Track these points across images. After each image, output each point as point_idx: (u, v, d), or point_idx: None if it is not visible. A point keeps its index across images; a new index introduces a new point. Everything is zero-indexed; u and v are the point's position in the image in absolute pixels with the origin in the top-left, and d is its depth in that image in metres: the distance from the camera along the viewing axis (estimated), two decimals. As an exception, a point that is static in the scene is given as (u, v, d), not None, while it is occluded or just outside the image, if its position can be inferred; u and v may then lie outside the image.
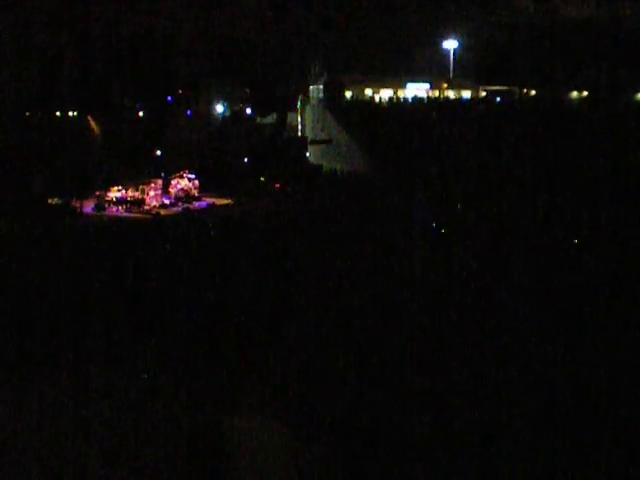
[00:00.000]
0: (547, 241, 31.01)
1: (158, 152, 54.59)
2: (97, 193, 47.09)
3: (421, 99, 64.65)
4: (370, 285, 24.99)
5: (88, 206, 46.02)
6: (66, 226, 37.47)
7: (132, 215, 45.33)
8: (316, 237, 33.42)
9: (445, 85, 66.96)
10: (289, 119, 65.10)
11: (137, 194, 47.41)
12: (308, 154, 60.31)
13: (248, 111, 62.80)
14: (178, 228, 39.93)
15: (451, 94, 66.55)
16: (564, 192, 38.37)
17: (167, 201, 48.60)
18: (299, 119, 64.81)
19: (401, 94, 66.12)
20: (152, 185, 48.20)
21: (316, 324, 21.26)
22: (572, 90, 66.55)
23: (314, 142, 60.77)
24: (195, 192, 50.42)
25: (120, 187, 47.52)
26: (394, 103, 64.14)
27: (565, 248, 29.30)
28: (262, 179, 52.20)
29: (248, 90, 63.99)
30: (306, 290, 24.58)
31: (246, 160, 55.66)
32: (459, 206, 37.20)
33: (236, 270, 27.14)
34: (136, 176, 49.13)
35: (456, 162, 46.40)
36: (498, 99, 65.51)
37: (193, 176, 50.82)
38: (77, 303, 21.90)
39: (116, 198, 46.97)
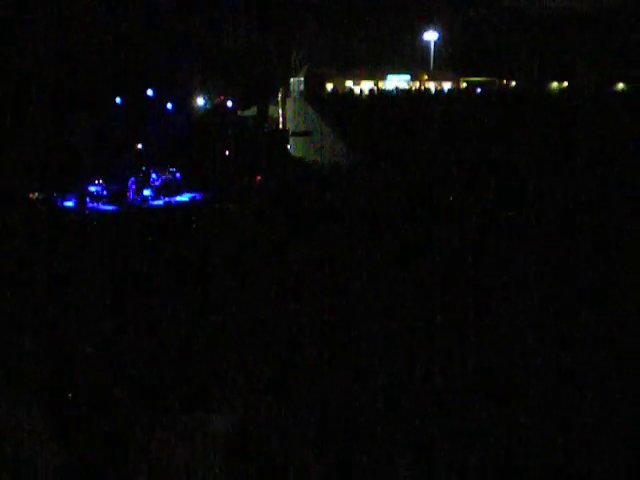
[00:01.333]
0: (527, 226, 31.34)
1: (139, 146, 54.39)
2: (78, 187, 46.85)
3: (402, 91, 64.94)
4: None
5: (69, 200, 45.84)
6: (45, 220, 37.39)
7: (113, 209, 45.19)
8: (296, 225, 33.66)
9: (426, 77, 67.29)
10: (270, 112, 65.20)
11: (118, 188, 47.25)
12: (289, 146, 60.42)
13: (229, 104, 62.72)
14: (159, 221, 39.91)
15: (432, 86, 66.88)
16: (545, 178, 38.85)
17: (148, 195, 48.46)
18: (280, 112, 64.93)
19: (382, 86, 66.42)
20: (133, 179, 48.07)
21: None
22: (552, 81, 67.03)
23: (295, 134, 60.89)
24: (177, 185, 50.30)
25: (101, 181, 47.31)
26: (375, 95, 64.39)
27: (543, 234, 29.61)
28: (243, 171, 52.22)
29: (229, 83, 63.97)
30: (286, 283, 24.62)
31: (227, 153, 55.63)
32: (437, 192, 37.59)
33: (217, 263, 27.15)
34: (117, 170, 48.97)
35: (436, 150, 46.81)
36: (479, 90, 65.92)
37: (174, 169, 50.70)
38: (49, 298, 21.87)
39: (97, 192, 46.78)
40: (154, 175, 49.61)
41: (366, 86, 66.12)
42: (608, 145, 45.18)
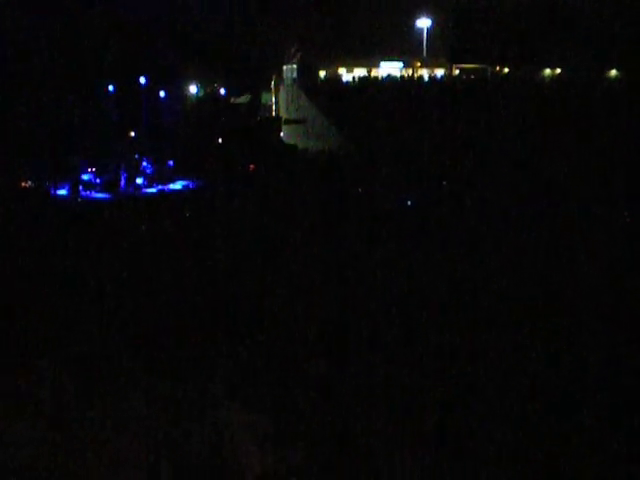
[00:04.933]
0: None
1: (132, 133, 54.48)
2: (71, 175, 46.94)
3: (394, 78, 64.94)
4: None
5: (62, 189, 45.93)
6: (37, 209, 37.50)
7: (106, 197, 45.31)
8: (289, 214, 33.80)
9: (418, 64, 67.22)
10: (263, 99, 65.17)
11: (111, 176, 47.35)
12: (282, 134, 60.45)
13: (222, 92, 62.74)
14: (152, 210, 39.93)
15: (425, 73, 66.84)
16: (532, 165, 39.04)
17: (141, 183, 48.53)
18: (273, 99, 64.92)
19: (375, 73, 66.41)
20: (126, 166, 48.16)
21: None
22: (544, 68, 67.00)
23: (288, 122, 60.91)
24: (169, 173, 50.37)
25: (94, 169, 47.40)
26: (369, 82, 64.35)
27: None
28: (236, 159, 52.24)
29: (222, 71, 63.92)
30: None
31: (220, 141, 55.65)
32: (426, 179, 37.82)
33: (213, 253, 27.23)
34: (110, 158, 49.08)
35: (426, 136, 46.93)
36: (472, 77, 65.92)
37: (168, 157, 50.78)
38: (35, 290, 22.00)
39: (90, 180, 46.88)
40: (147, 163, 49.71)
41: (359, 73, 66.12)
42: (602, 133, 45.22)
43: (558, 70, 67.48)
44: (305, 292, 21.60)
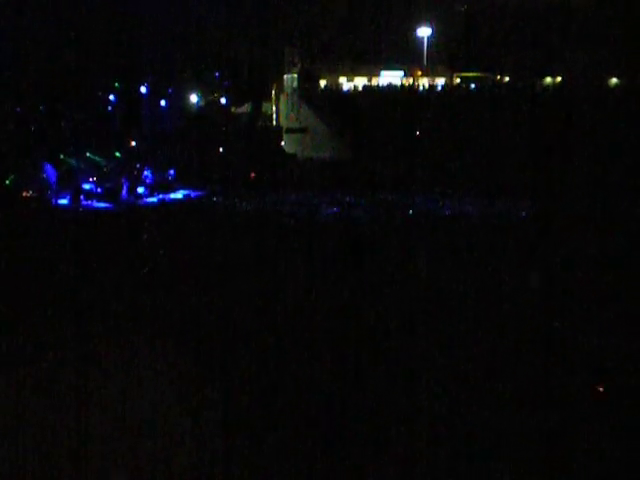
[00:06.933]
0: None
1: (133, 143, 54.50)
2: (72, 185, 46.88)
3: (395, 87, 65.08)
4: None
5: (63, 198, 45.84)
6: (36, 219, 37.43)
7: (107, 206, 45.21)
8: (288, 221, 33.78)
9: (419, 73, 67.30)
10: (264, 108, 65.20)
11: (112, 185, 47.29)
12: (283, 143, 60.51)
13: (223, 101, 62.80)
14: (153, 220, 39.84)
15: (426, 81, 66.91)
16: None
17: (142, 192, 48.47)
18: (274, 108, 64.97)
19: (375, 82, 66.57)
20: (127, 176, 48.11)
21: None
22: (546, 76, 67.08)
23: (289, 131, 61.01)
24: (171, 183, 50.36)
25: (95, 178, 47.34)
26: (368, 91, 64.49)
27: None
28: (237, 168, 52.29)
29: (224, 80, 64.02)
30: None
31: (221, 150, 55.69)
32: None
33: (216, 264, 27.11)
34: (111, 167, 49.06)
35: (428, 146, 47.05)
36: (472, 85, 65.99)
37: (169, 166, 50.77)
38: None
39: (91, 190, 46.79)
40: (148, 172, 49.68)
41: (360, 82, 66.26)
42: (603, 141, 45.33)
43: (559, 78, 67.56)
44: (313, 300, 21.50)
